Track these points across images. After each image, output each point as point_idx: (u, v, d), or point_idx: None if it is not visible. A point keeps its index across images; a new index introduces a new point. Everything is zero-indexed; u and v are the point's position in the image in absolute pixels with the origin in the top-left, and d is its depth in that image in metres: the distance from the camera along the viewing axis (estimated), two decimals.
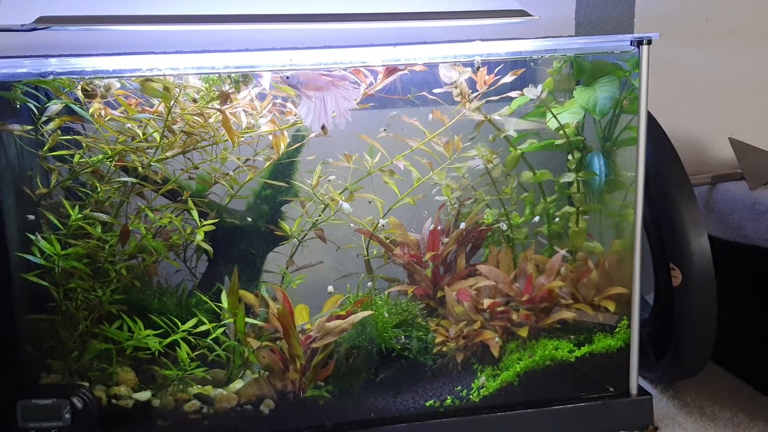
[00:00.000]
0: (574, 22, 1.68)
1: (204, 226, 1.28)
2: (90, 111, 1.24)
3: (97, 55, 1.17)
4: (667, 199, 1.34)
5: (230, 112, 1.25)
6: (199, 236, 1.27)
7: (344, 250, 1.44)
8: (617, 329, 1.39)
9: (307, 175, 1.39)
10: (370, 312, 1.32)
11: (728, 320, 1.40)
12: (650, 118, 1.35)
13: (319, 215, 1.41)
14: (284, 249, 1.43)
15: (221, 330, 1.27)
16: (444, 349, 1.36)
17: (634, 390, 1.37)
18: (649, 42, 1.26)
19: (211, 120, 1.27)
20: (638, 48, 1.26)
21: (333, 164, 1.39)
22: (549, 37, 1.37)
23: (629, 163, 1.33)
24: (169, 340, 1.25)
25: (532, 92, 1.37)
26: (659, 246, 1.39)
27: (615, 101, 1.36)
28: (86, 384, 1.23)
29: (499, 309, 1.38)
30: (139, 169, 1.25)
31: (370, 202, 1.41)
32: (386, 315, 1.34)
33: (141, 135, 1.25)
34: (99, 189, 1.25)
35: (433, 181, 1.45)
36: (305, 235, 1.41)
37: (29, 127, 1.24)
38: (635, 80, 1.29)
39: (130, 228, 1.25)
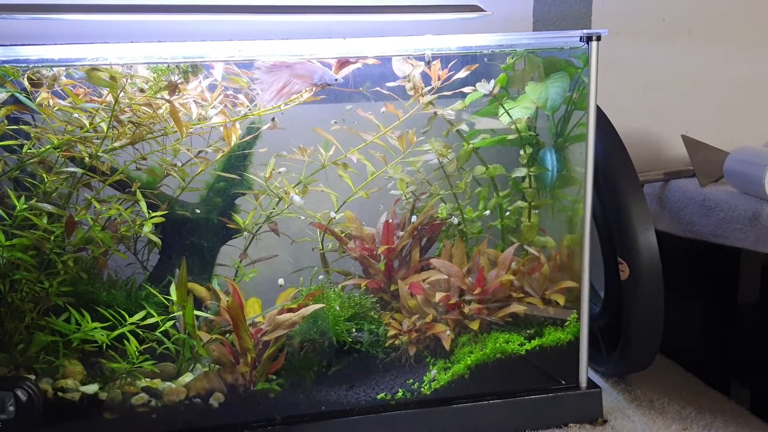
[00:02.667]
0: (532, 20, 1.70)
1: (152, 218, 1.27)
2: (37, 100, 1.22)
3: (42, 44, 1.15)
4: (615, 194, 1.36)
5: (180, 103, 1.24)
6: (147, 228, 1.25)
7: (299, 243, 1.44)
8: (567, 322, 1.40)
9: (261, 168, 1.39)
10: (321, 305, 1.32)
11: (679, 314, 1.42)
12: (600, 114, 1.37)
13: (273, 208, 1.41)
14: (239, 242, 1.42)
15: (170, 323, 1.27)
16: (396, 342, 1.37)
17: (583, 383, 1.38)
18: (599, 38, 1.27)
19: (160, 111, 1.26)
20: (588, 44, 1.28)
21: (287, 157, 1.39)
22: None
23: (580, 159, 1.34)
24: (116, 332, 1.24)
25: (484, 87, 1.38)
26: (608, 240, 1.41)
27: (566, 97, 1.38)
28: (32, 377, 1.22)
29: (452, 302, 1.39)
30: (86, 159, 1.24)
31: (322, 191, 1.41)
32: (338, 308, 1.34)
33: (88, 125, 1.24)
34: (46, 180, 1.23)
35: (388, 175, 1.45)
36: (259, 228, 1.41)
37: None
38: (587, 77, 1.31)
39: (78, 219, 1.24)
